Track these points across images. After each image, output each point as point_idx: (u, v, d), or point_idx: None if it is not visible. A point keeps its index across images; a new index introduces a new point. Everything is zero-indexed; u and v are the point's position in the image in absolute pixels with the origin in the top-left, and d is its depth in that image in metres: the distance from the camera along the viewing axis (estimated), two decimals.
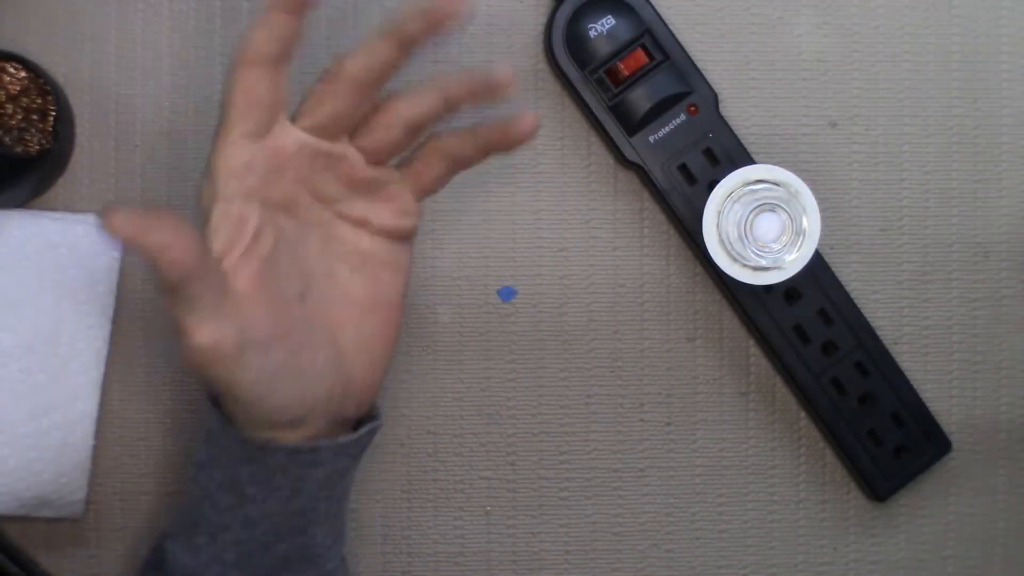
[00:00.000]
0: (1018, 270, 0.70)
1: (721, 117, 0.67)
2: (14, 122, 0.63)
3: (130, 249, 0.53)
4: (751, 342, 0.70)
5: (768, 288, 0.66)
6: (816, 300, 0.68)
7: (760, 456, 0.70)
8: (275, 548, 0.61)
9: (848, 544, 0.70)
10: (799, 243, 0.63)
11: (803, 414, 0.70)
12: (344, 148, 0.61)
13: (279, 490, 0.60)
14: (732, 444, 0.70)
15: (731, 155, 0.67)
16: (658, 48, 0.67)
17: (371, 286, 0.63)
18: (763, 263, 0.63)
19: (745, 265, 0.63)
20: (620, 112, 0.67)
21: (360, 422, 0.64)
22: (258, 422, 0.59)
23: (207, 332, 0.55)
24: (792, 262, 0.63)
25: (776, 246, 0.63)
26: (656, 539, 0.70)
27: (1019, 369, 0.70)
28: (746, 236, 0.63)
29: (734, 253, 0.63)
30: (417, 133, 0.61)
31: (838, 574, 0.70)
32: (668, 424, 0.70)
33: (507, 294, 0.70)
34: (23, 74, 0.63)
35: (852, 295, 0.68)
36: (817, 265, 0.67)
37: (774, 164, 0.63)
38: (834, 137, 0.70)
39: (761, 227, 0.62)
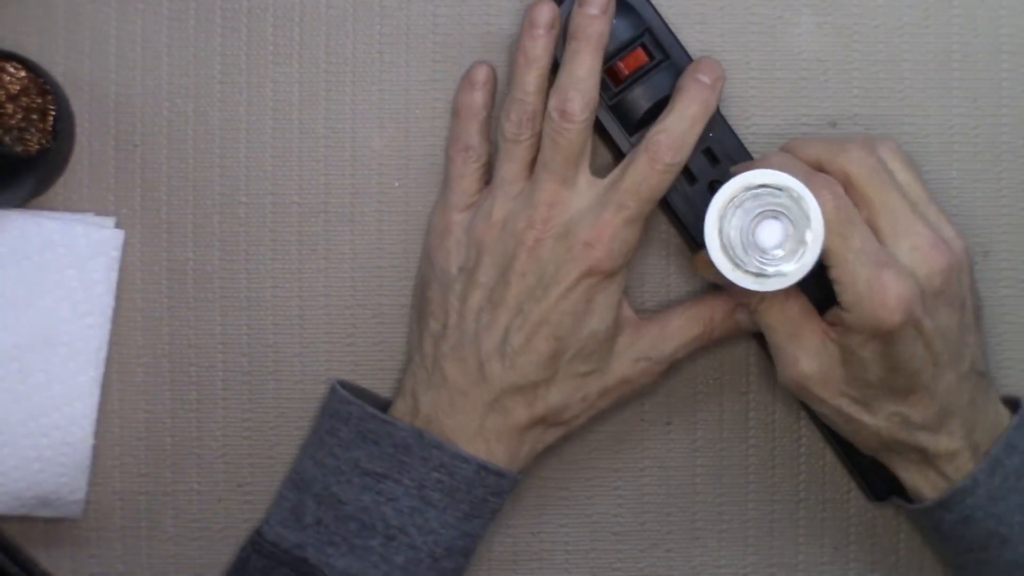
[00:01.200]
0: (1018, 270, 0.70)
1: (721, 117, 0.67)
2: (14, 122, 0.63)
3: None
4: (751, 342, 0.70)
5: None
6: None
7: (760, 456, 0.70)
8: (442, 563, 0.63)
9: (848, 544, 0.70)
10: (802, 251, 0.61)
11: (803, 414, 0.70)
12: None
13: (460, 504, 0.63)
14: (732, 444, 0.70)
15: (731, 155, 0.67)
16: (658, 48, 0.67)
17: None
18: (766, 270, 0.62)
19: (747, 271, 0.62)
20: (620, 112, 0.67)
21: None
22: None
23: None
24: (795, 271, 0.61)
25: (779, 252, 0.61)
26: (656, 539, 0.70)
27: (1019, 369, 0.70)
28: (749, 243, 0.61)
29: (736, 259, 0.62)
30: None
31: (838, 574, 0.70)
32: (668, 424, 0.70)
33: None
34: (23, 74, 0.63)
35: None
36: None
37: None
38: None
39: (763, 234, 0.61)
